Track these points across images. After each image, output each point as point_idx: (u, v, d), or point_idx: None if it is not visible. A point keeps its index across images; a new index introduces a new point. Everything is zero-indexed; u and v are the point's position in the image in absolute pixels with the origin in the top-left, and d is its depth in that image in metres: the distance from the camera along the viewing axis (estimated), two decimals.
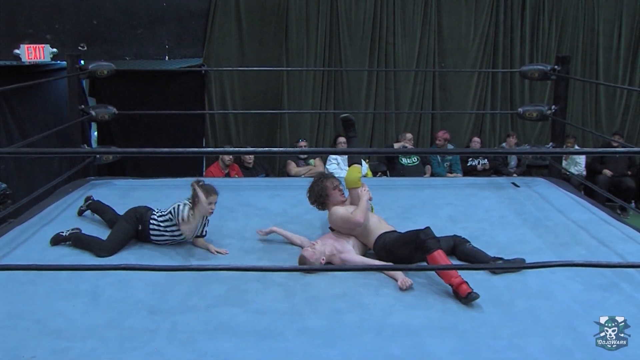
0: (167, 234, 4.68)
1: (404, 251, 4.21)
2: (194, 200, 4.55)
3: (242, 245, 4.76)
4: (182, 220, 4.55)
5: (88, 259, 4.41)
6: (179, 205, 4.62)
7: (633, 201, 9.39)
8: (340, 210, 4.55)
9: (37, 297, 3.76)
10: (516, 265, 4.19)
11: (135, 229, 4.73)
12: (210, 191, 4.57)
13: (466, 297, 3.69)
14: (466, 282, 3.76)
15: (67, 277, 3.95)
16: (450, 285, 3.82)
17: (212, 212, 4.60)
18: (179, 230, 4.62)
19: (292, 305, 3.68)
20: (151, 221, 4.70)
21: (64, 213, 5.44)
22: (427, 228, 4.11)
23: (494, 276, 4.07)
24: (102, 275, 3.97)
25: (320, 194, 4.66)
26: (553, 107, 6.62)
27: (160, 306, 3.66)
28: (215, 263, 4.38)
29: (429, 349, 3.18)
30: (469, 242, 4.44)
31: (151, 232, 4.69)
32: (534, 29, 9.70)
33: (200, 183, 4.62)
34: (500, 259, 4.29)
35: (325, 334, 3.34)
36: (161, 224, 4.67)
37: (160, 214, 4.72)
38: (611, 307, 3.61)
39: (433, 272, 4.01)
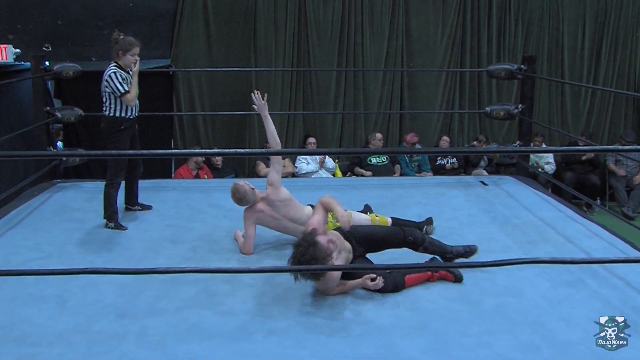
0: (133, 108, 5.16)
1: (383, 247, 4.23)
2: (117, 56, 5.05)
3: (211, 247, 4.72)
4: (120, 93, 4.96)
5: (54, 263, 4.34)
6: (107, 80, 4.96)
7: (598, 198, 9.54)
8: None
9: (1, 302, 3.69)
10: (485, 264, 4.22)
11: (121, 139, 5.08)
12: (133, 43, 5.09)
13: (457, 277, 4.01)
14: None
15: (33, 282, 3.89)
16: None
17: (135, 63, 5.12)
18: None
19: (261, 306, 3.67)
20: (114, 115, 5.05)
21: (29, 217, 5.36)
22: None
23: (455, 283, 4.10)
24: (69, 279, 3.91)
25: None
26: (520, 106, 6.70)
27: (129, 309, 3.62)
28: (184, 266, 4.34)
29: (399, 348, 3.19)
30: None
31: (124, 118, 5.08)
32: (500, 29, 9.81)
33: (121, 37, 5.08)
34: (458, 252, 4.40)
35: (295, 334, 3.33)
36: (118, 106, 5.05)
37: (104, 106, 5.08)
38: (577, 303, 3.68)
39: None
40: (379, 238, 4.20)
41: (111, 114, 5.08)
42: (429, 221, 4.98)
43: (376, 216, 4.89)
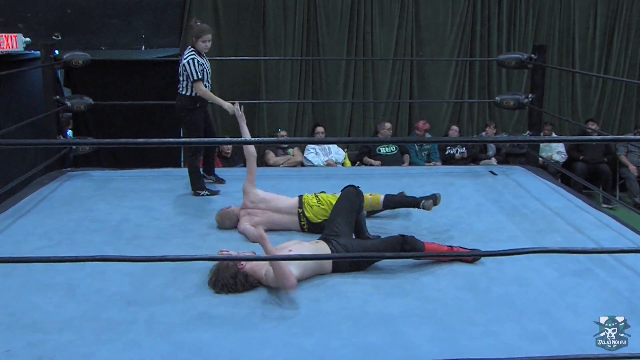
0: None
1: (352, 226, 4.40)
2: (192, 41, 5.48)
3: (220, 235, 4.74)
4: (194, 78, 5.41)
5: (64, 251, 4.36)
6: (184, 65, 5.40)
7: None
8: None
9: (11, 290, 3.72)
10: (493, 253, 4.20)
11: (197, 117, 5.61)
12: (204, 30, 5.46)
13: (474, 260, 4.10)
14: (460, 248, 4.18)
15: (42, 270, 3.91)
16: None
17: (207, 49, 5.53)
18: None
19: (269, 294, 3.68)
20: (190, 94, 5.51)
21: (39, 205, 5.39)
22: (401, 236, 4.04)
23: (471, 264, 4.09)
24: (78, 267, 3.92)
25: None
26: (530, 95, 6.67)
27: (137, 297, 3.63)
28: (194, 254, 4.35)
29: (407, 337, 3.20)
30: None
31: (199, 97, 5.51)
32: (511, 18, 9.75)
33: (197, 23, 5.48)
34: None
35: (303, 323, 3.34)
36: (190, 89, 5.50)
37: (181, 86, 5.53)
38: (585, 293, 3.66)
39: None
40: (339, 227, 4.23)
41: (187, 93, 5.54)
42: (430, 197, 4.98)
43: (370, 195, 4.91)
